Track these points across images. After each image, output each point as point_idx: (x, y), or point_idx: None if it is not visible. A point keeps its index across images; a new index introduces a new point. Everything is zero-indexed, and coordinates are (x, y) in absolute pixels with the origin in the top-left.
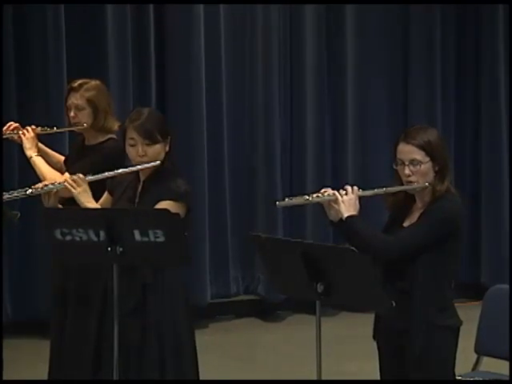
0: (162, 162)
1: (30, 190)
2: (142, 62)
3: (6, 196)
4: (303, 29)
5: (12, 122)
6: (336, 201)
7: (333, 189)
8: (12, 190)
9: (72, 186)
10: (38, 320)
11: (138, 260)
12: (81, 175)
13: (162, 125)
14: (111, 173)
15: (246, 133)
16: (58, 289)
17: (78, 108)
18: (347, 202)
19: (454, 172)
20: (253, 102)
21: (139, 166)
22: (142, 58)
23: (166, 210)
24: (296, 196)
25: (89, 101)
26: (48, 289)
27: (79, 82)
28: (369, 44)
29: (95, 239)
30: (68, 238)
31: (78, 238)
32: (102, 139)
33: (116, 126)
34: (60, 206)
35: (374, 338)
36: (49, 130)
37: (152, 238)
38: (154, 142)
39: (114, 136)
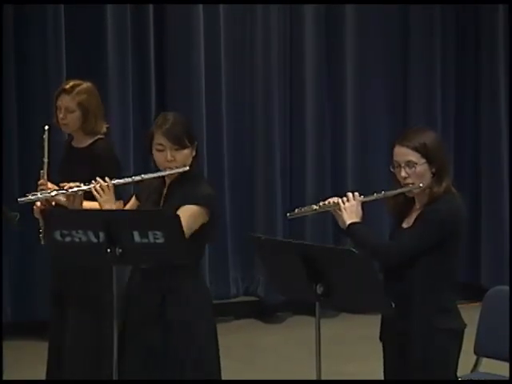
0: (190, 167)
1: (55, 192)
2: (142, 62)
3: (29, 197)
4: (303, 29)
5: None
6: (339, 209)
7: (339, 196)
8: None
9: (99, 194)
10: (37, 321)
11: (138, 261)
12: (108, 181)
13: (189, 129)
14: (137, 177)
15: (246, 133)
16: (57, 290)
17: (68, 110)
18: (349, 208)
19: (454, 173)
20: (252, 102)
21: (167, 172)
22: (141, 58)
23: (165, 211)
24: (304, 207)
25: (80, 104)
26: (47, 290)
27: (71, 83)
28: (368, 44)
29: (95, 240)
30: (67, 239)
31: (77, 240)
32: (90, 141)
33: (104, 127)
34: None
35: (381, 339)
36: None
37: (151, 240)
38: (182, 147)
39: (101, 136)
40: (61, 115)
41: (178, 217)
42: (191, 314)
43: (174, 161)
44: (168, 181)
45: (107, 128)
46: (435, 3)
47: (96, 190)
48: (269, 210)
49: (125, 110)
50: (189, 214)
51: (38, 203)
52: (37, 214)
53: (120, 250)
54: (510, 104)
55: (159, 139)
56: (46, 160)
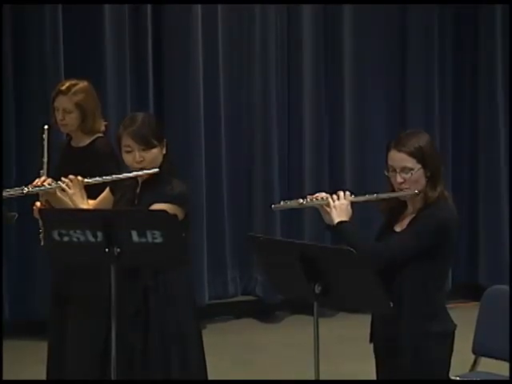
0: (160, 166)
1: (26, 189)
2: (140, 62)
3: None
4: (301, 29)
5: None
6: (328, 205)
7: (329, 193)
8: (9, 188)
9: (67, 186)
10: (36, 321)
11: (136, 261)
12: (79, 177)
13: (156, 129)
14: (108, 177)
15: (244, 133)
16: (56, 289)
17: (66, 111)
18: (339, 207)
19: (452, 172)
20: (250, 102)
21: (138, 173)
22: (139, 58)
23: (163, 211)
24: (291, 200)
25: (77, 104)
26: (46, 289)
27: (67, 84)
28: (367, 44)
29: (93, 240)
30: (66, 239)
31: (75, 239)
32: (89, 140)
33: (103, 125)
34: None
35: (371, 341)
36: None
37: (150, 239)
38: (150, 147)
39: (100, 134)
40: (59, 116)
41: (176, 216)
42: (175, 313)
43: (143, 161)
44: (141, 179)
45: (105, 125)
46: (434, 3)
47: (63, 182)
48: (267, 210)
49: (122, 109)
50: None
51: (38, 203)
52: (36, 215)
53: (118, 250)
54: (509, 103)
55: (126, 141)
56: (45, 160)
